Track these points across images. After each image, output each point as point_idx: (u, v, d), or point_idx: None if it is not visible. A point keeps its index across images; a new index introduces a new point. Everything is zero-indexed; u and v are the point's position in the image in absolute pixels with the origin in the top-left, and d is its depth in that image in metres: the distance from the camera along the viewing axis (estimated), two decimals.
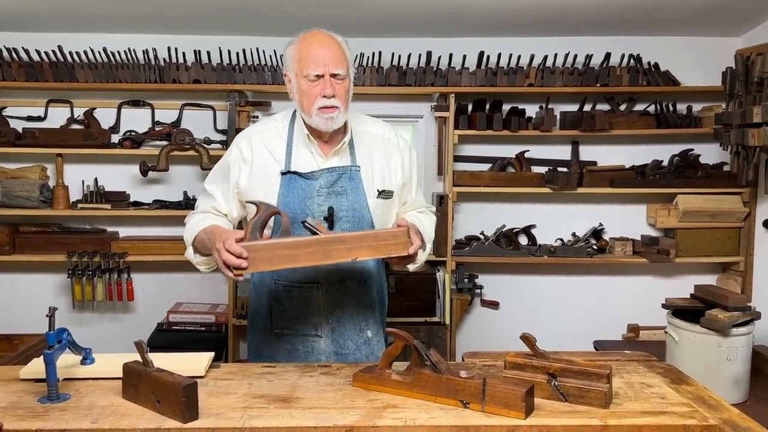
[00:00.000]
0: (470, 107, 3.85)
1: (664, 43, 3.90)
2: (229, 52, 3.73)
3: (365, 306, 2.06)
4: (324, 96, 1.91)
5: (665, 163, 3.90)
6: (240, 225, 2.14)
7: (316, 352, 2.03)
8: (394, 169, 2.09)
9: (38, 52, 3.66)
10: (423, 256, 2.03)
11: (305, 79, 1.92)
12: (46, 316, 1.59)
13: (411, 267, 1.98)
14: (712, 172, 3.85)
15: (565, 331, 3.89)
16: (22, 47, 3.67)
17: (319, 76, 1.91)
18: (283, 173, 1.99)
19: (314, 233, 1.76)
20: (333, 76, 1.91)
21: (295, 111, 2.06)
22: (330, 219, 1.98)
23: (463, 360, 1.98)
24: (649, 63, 3.81)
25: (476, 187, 3.82)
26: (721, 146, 3.50)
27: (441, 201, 3.75)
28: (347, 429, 1.42)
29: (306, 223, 1.79)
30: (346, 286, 2.03)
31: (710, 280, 3.98)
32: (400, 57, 3.76)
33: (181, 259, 3.61)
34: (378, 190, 2.05)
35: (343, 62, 1.94)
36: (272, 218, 1.86)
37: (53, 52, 3.64)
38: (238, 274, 1.70)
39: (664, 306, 2.84)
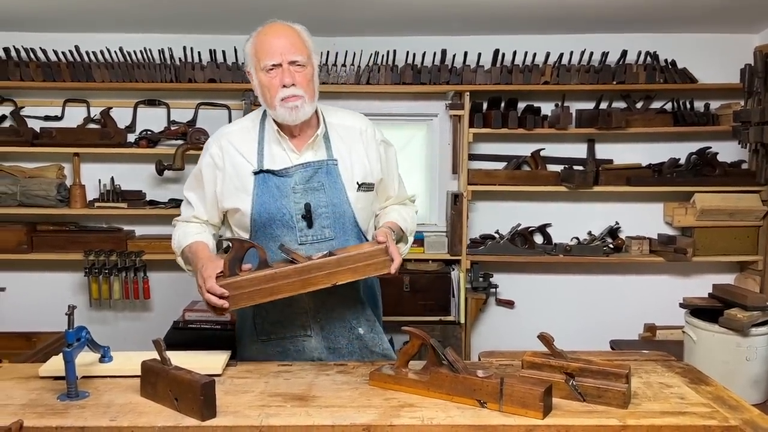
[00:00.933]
0: (485, 105, 3.83)
1: (680, 40, 3.86)
2: (244, 51, 3.73)
3: (353, 304, 1.99)
4: (284, 86, 1.84)
5: (682, 161, 3.86)
6: (224, 220, 2.08)
7: (309, 350, 1.97)
8: (374, 162, 2.01)
9: (55, 52, 3.69)
10: (405, 249, 2.03)
11: (263, 71, 1.87)
12: (66, 314, 1.60)
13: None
14: (730, 170, 3.80)
15: (580, 330, 3.86)
16: (40, 47, 3.70)
17: (276, 66, 1.85)
18: (255, 173, 1.91)
19: (291, 261, 1.75)
20: (291, 63, 1.85)
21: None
22: (308, 216, 1.90)
23: (479, 359, 1.97)
24: (666, 60, 3.77)
25: (491, 186, 3.81)
26: (739, 144, 3.47)
27: (456, 199, 3.75)
28: (364, 428, 1.42)
29: (283, 248, 1.77)
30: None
31: (728, 279, 3.94)
32: (414, 55, 3.75)
33: None
34: (358, 183, 1.96)
35: (302, 49, 1.88)
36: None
37: (70, 52, 3.67)
38: (220, 313, 1.75)
39: (681, 305, 2.82)
